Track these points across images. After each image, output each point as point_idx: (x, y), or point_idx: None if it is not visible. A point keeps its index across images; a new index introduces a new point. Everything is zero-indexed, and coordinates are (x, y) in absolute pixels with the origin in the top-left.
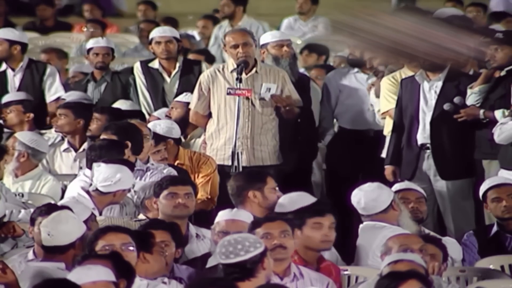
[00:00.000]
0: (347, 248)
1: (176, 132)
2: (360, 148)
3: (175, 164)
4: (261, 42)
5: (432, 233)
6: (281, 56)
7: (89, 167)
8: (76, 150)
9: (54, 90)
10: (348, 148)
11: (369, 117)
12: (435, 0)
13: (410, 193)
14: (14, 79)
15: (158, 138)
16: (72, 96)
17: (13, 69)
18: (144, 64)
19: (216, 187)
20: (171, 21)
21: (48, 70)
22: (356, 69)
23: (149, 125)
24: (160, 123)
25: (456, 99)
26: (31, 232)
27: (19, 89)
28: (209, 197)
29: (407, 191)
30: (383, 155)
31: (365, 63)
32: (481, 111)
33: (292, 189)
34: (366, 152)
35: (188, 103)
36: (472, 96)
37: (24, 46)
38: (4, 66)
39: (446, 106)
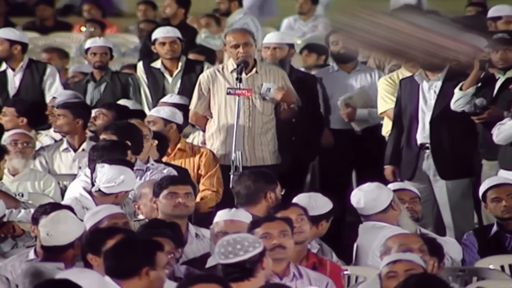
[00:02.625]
0: (341, 246)
1: (179, 117)
2: (349, 147)
3: (176, 148)
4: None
5: (431, 233)
6: (265, 58)
7: (91, 167)
8: (75, 150)
9: (54, 90)
10: (336, 147)
11: None
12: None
13: (404, 193)
14: (14, 79)
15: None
16: (62, 96)
17: (13, 69)
18: (147, 64)
19: (221, 179)
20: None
21: (48, 70)
22: (336, 68)
23: (153, 110)
24: (164, 108)
25: (478, 101)
26: (33, 230)
27: (19, 89)
28: (215, 190)
29: (401, 191)
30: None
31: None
32: (505, 113)
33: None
34: (356, 150)
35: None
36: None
37: (24, 46)
38: (4, 66)
39: (467, 108)
